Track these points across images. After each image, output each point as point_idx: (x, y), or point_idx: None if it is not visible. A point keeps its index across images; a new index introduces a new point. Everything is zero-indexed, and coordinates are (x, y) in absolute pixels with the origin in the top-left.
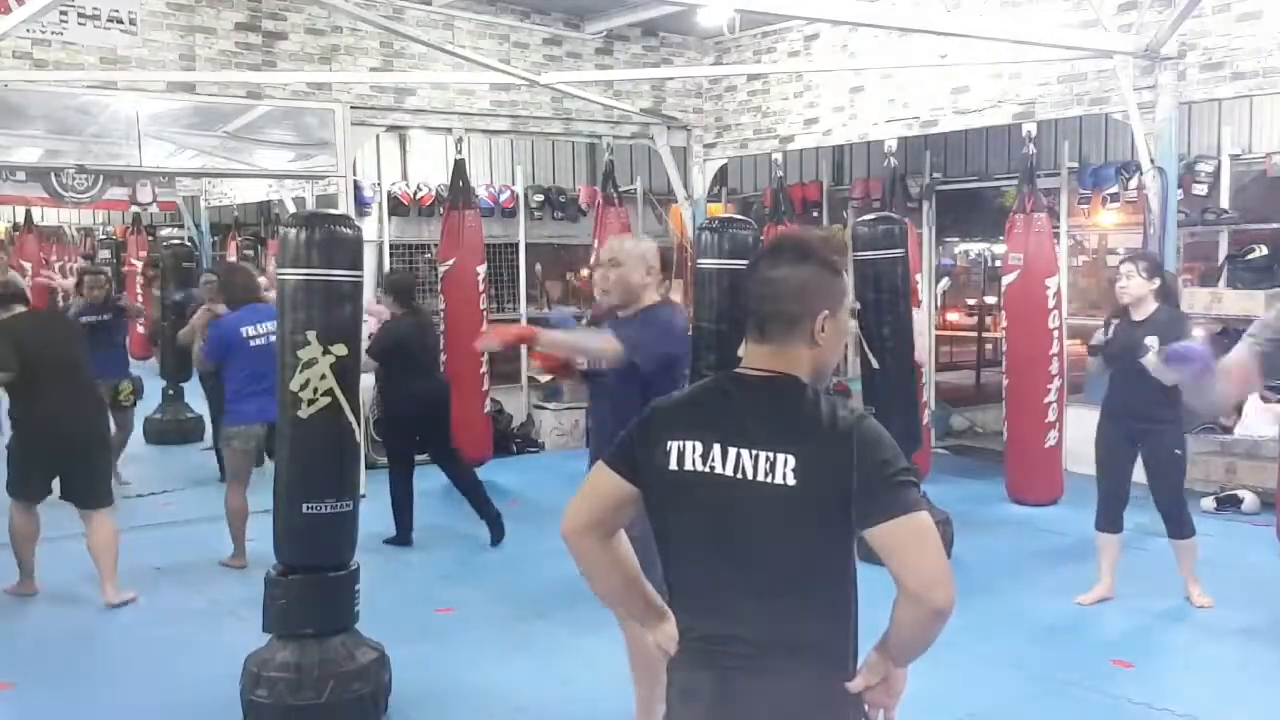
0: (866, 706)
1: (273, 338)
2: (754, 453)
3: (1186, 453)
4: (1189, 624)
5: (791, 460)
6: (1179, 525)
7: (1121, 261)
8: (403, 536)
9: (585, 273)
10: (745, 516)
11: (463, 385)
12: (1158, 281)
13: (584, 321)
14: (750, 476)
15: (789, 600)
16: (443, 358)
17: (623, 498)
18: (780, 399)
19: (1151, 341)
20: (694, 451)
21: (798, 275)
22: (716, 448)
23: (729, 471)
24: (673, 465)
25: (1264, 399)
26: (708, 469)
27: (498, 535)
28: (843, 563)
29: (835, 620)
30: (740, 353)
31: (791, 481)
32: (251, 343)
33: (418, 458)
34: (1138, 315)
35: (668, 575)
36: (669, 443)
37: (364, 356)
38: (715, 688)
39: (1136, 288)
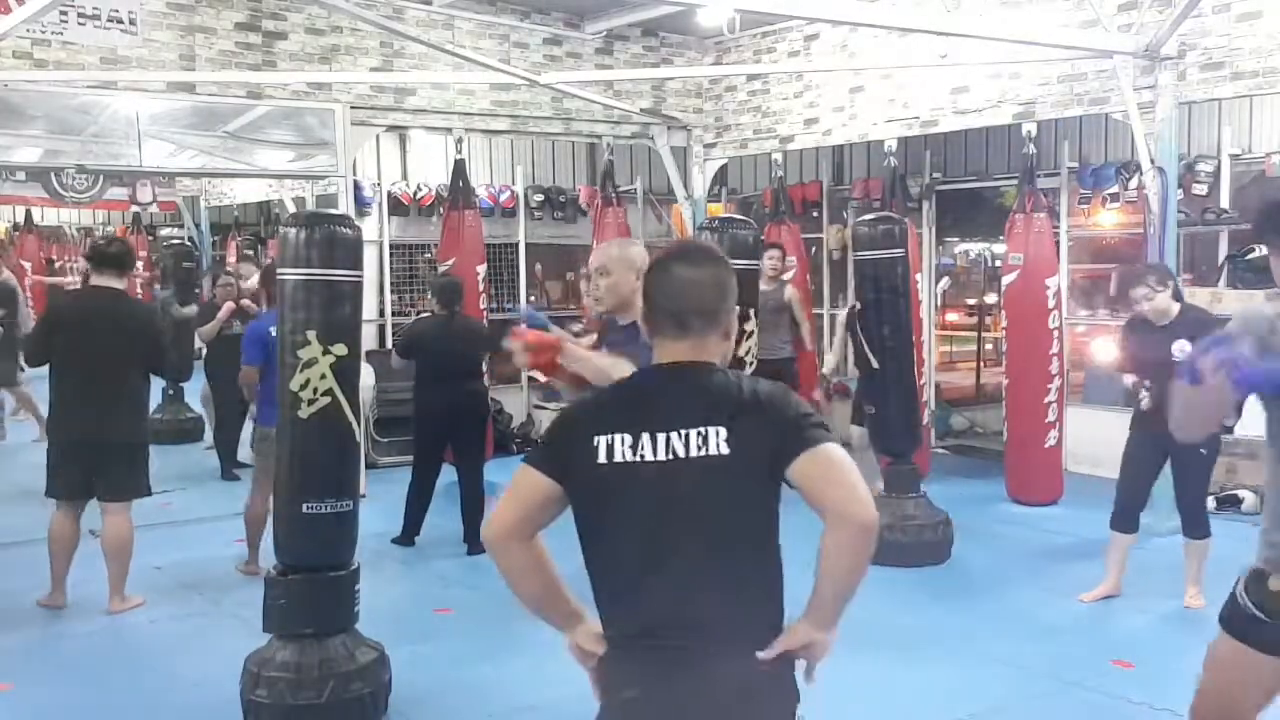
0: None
1: None
2: (684, 432)
3: (1214, 454)
4: (1190, 624)
5: (723, 431)
6: (1196, 525)
7: (1132, 288)
8: (406, 537)
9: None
10: (681, 495)
11: None
12: (1172, 287)
13: (581, 326)
14: (684, 455)
15: (726, 577)
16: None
17: (548, 497)
18: (703, 381)
19: (1180, 345)
20: (623, 444)
21: (715, 274)
22: (645, 436)
23: (661, 456)
24: (601, 459)
25: None
26: (638, 458)
27: (473, 550)
28: (774, 535)
29: (770, 591)
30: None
31: (725, 450)
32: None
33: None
34: (1160, 321)
35: (595, 573)
36: (595, 438)
37: (394, 356)
38: (656, 681)
39: (1162, 302)
